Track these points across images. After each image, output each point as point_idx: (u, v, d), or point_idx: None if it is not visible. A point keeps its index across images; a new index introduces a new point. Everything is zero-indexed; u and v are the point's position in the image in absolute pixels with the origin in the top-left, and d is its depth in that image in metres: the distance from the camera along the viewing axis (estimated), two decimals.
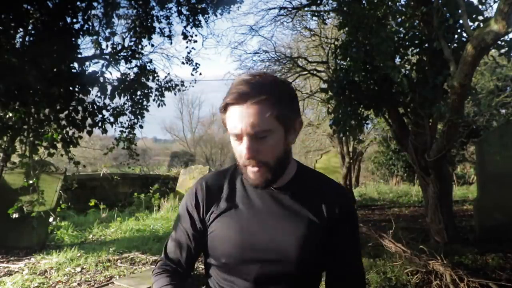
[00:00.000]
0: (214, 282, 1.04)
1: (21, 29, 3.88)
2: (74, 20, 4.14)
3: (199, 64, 6.22)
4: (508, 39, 3.74)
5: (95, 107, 4.78)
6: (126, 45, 5.54)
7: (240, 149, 0.93)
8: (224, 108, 0.93)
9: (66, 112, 4.22)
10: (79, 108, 4.37)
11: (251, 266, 0.97)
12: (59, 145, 4.36)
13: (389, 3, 4.59)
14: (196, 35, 6.02)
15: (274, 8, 8.70)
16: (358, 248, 1.07)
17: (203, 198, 1.05)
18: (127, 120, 5.65)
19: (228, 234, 0.99)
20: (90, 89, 4.44)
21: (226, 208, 1.02)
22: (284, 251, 0.96)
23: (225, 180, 1.06)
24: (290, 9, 8.27)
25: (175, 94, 6.30)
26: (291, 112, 0.95)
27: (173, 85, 6.19)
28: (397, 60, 4.66)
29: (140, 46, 5.47)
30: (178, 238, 1.07)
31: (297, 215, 0.99)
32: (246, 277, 0.97)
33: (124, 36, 5.82)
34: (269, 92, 0.89)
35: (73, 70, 4.21)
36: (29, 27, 3.95)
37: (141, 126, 5.80)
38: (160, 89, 5.96)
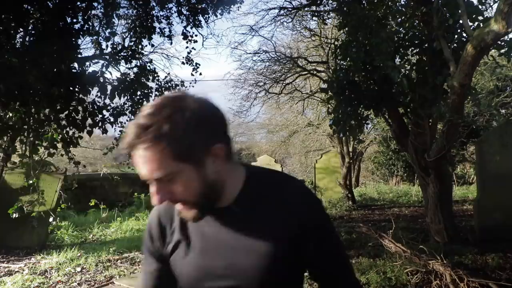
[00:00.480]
0: None
1: (21, 29, 3.88)
2: (74, 20, 4.14)
3: (199, 64, 6.22)
4: (508, 39, 3.75)
5: (95, 107, 4.78)
6: (126, 45, 5.54)
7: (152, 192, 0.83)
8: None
9: (66, 112, 4.22)
10: (79, 108, 4.37)
11: None
12: (59, 145, 4.36)
13: (389, 3, 4.59)
14: (196, 35, 6.03)
15: (274, 8, 8.72)
16: (341, 248, 0.97)
17: (158, 231, 0.97)
18: (127, 120, 5.65)
19: (184, 266, 0.93)
20: (90, 89, 4.44)
21: (179, 239, 0.94)
22: (245, 275, 0.87)
23: (174, 209, 0.94)
24: (290, 9, 8.28)
25: None
26: (196, 145, 0.79)
27: (173, 85, 6.19)
28: (397, 60, 4.66)
29: (140, 46, 5.47)
30: (144, 279, 1.01)
31: (253, 233, 0.88)
32: None
33: (124, 36, 5.84)
34: (157, 136, 0.75)
35: (73, 70, 4.21)
36: (29, 27, 3.96)
37: None
38: (160, 89, 5.96)
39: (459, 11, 3.60)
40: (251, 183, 0.91)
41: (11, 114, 3.90)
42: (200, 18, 5.89)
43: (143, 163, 0.77)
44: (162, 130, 0.75)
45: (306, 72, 9.58)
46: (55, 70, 3.91)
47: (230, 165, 0.88)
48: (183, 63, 6.16)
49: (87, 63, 4.78)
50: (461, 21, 3.71)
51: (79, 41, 4.32)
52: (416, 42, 4.45)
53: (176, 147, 0.77)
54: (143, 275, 1.02)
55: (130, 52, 5.36)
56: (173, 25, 9.08)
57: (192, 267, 0.92)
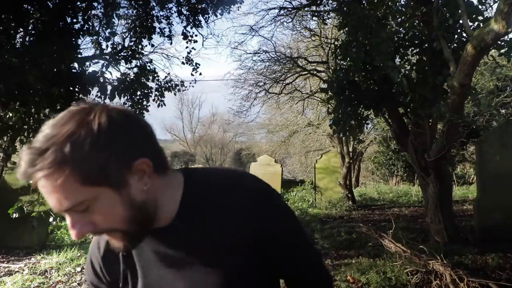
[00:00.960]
0: None
1: (21, 29, 3.89)
2: (74, 20, 4.15)
3: (199, 64, 6.23)
4: (508, 39, 3.74)
5: None
6: (126, 45, 5.55)
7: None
8: None
9: None
10: None
11: None
12: None
13: (389, 3, 4.59)
14: (196, 35, 6.04)
15: (274, 8, 8.71)
16: (309, 250, 0.86)
17: (101, 268, 0.86)
18: None
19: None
20: (90, 89, 4.44)
21: (128, 270, 0.82)
22: None
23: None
24: (290, 9, 8.28)
25: (175, 94, 6.31)
26: (111, 163, 0.65)
27: (173, 85, 6.20)
28: (397, 60, 4.66)
29: (140, 46, 5.48)
30: None
31: (206, 249, 0.76)
32: None
33: (124, 36, 5.84)
34: (57, 160, 0.61)
35: (73, 70, 4.21)
36: (29, 27, 3.96)
37: None
38: (160, 89, 5.96)
39: (459, 11, 3.60)
40: (193, 191, 0.78)
41: (11, 114, 3.90)
42: (200, 18, 5.90)
43: (48, 193, 0.64)
44: (63, 152, 0.61)
45: (306, 72, 9.58)
46: (55, 70, 3.92)
47: (163, 177, 0.75)
48: (183, 63, 6.17)
49: (87, 63, 4.79)
50: (461, 21, 3.71)
51: (79, 41, 4.33)
52: (416, 42, 4.45)
53: (83, 170, 0.63)
54: None
55: (130, 52, 5.36)
56: (173, 25, 9.07)
57: None
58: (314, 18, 8.37)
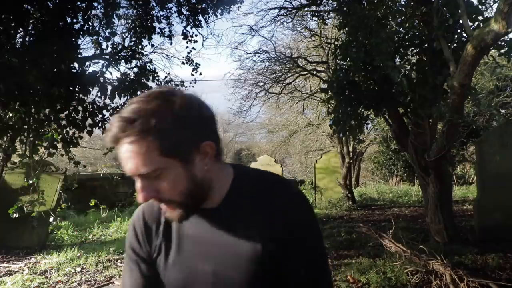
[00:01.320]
0: None
1: (21, 29, 3.88)
2: (74, 20, 4.14)
3: (199, 64, 6.23)
4: (508, 39, 3.75)
5: (95, 107, 4.78)
6: (126, 45, 5.54)
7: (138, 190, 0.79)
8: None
9: (66, 112, 4.22)
10: (79, 108, 4.37)
11: None
12: (59, 145, 4.36)
13: (389, 3, 4.60)
14: (196, 35, 6.03)
15: (274, 8, 8.72)
16: (322, 271, 0.88)
17: (142, 234, 0.92)
18: None
19: (170, 271, 0.89)
20: (90, 89, 4.44)
21: (165, 243, 0.90)
22: (231, 280, 0.84)
23: (160, 210, 0.91)
24: (290, 9, 8.28)
25: None
26: (185, 141, 0.76)
27: (173, 85, 6.19)
28: (397, 60, 4.66)
29: (140, 46, 5.47)
30: (127, 282, 0.94)
31: (240, 237, 0.83)
32: None
33: (124, 36, 5.84)
34: (144, 130, 0.72)
35: (73, 70, 4.21)
36: (29, 27, 3.96)
37: None
38: None
39: (459, 11, 3.60)
40: (239, 185, 0.87)
41: (11, 114, 3.90)
42: (200, 18, 5.89)
43: (128, 158, 0.74)
44: (149, 123, 0.72)
45: (306, 72, 9.59)
46: (55, 70, 3.91)
47: (219, 165, 0.85)
48: (183, 63, 6.17)
49: (87, 63, 4.78)
50: (461, 21, 3.71)
51: (79, 41, 4.32)
52: (416, 42, 4.45)
53: (163, 142, 0.73)
54: (129, 277, 0.93)
55: (130, 52, 5.36)
56: (173, 25, 9.09)
57: (178, 273, 0.88)
58: (314, 18, 8.38)
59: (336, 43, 5.96)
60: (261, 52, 9.70)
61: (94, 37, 5.05)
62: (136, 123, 0.72)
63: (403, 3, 4.81)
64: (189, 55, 6.11)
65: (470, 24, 3.75)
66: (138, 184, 0.77)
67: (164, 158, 0.74)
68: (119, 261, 4.46)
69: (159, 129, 0.72)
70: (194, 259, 0.87)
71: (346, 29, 4.80)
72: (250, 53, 10.04)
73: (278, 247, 0.82)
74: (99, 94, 4.65)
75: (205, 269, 0.85)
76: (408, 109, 4.75)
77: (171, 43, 11.32)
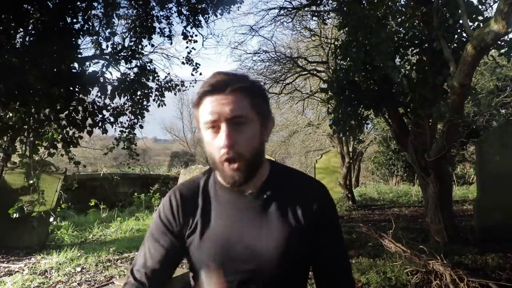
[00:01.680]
0: None
1: (21, 29, 3.88)
2: (74, 20, 4.14)
3: (199, 64, 6.23)
4: (508, 39, 3.74)
5: (95, 107, 4.78)
6: (126, 45, 5.54)
7: (217, 141, 0.89)
8: (200, 99, 0.91)
9: (66, 112, 4.22)
10: (79, 108, 4.37)
11: (232, 277, 0.94)
12: (59, 145, 4.36)
13: (389, 3, 4.59)
14: (196, 35, 6.03)
15: (274, 8, 8.71)
16: (343, 247, 1.04)
17: (179, 211, 1.00)
18: (127, 120, 5.66)
19: (206, 246, 0.96)
20: (90, 89, 4.43)
21: (202, 220, 0.98)
22: (265, 259, 0.93)
23: (199, 189, 1.02)
24: (290, 9, 8.27)
25: (175, 94, 6.30)
26: (266, 107, 0.96)
27: (173, 85, 6.19)
28: (397, 60, 4.66)
29: (140, 46, 5.47)
30: (151, 255, 0.99)
31: (274, 221, 0.95)
32: (229, 286, 0.95)
33: (124, 36, 5.83)
34: (244, 83, 0.91)
35: (73, 70, 4.20)
36: (29, 27, 3.95)
37: (141, 126, 5.81)
38: (160, 89, 5.96)
39: (459, 11, 3.60)
40: (276, 174, 1.01)
41: (11, 114, 3.89)
42: (200, 18, 5.89)
43: (227, 102, 0.88)
44: (248, 83, 0.92)
45: (306, 72, 9.58)
46: (55, 70, 3.91)
47: None
48: (183, 63, 6.17)
49: (87, 63, 4.78)
50: (461, 21, 3.71)
51: (79, 41, 4.31)
52: (416, 42, 4.45)
53: (255, 99, 0.92)
54: (151, 249, 0.99)
55: (130, 52, 5.35)
56: (173, 25, 9.09)
57: (216, 248, 0.95)
58: (314, 18, 8.37)
59: (336, 43, 5.96)
60: (261, 52, 9.70)
61: (94, 37, 5.04)
62: (243, 79, 0.92)
63: (403, 3, 4.81)
64: (189, 55, 6.11)
65: (470, 24, 3.75)
66: (224, 131, 0.88)
67: (253, 112, 0.91)
68: (119, 261, 4.46)
69: (253, 91, 0.93)
70: (230, 238, 0.95)
71: (346, 29, 4.80)
72: (250, 53, 10.06)
73: (311, 228, 0.96)
74: (99, 94, 4.65)
75: (239, 248, 0.94)
76: (408, 109, 4.75)
77: (171, 43, 11.34)
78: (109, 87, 4.79)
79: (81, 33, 4.26)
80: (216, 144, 0.90)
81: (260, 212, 0.96)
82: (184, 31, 5.86)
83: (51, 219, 5.01)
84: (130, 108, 5.55)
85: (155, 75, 5.84)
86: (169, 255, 0.99)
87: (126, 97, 5.36)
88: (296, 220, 0.96)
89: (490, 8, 4.91)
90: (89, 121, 4.62)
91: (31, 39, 3.99)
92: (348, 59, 4.66)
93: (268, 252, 0.93)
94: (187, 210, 0.99)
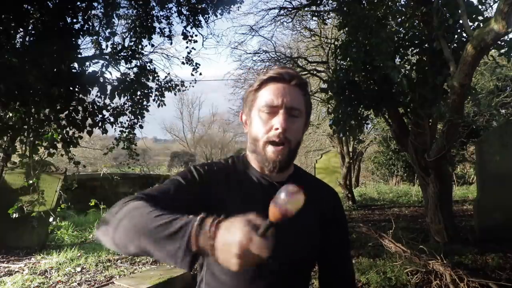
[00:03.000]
0: (211, 276, 0.99)
1: (21, 29, 3.88)
2: (74, 20, 4.13)
3: (199, 64, 6.23)
4: (508, 39, 3.75)
5: (95, 107, 4.78)
6: (126, 45, 5.54)
7: (273, 122, 0.96)
8: (264, 83, 0.99)
9: (66, 112, 4.22)
10: (79, 108, 4.37)
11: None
12: (59, 145, 4.36)
13: (389, 3, 4.59)
14: (196, 35, 6.03)
15: (274, 8, 8.72)
16: (350, 250, 1.12)
17: (208, 176, 0.99)
18: (127, 120, 5.66)
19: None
20: (90, 89, 4.43)
21: (228, 197, 0.97)
22: (287, 250, 0.94)
23: (229, 169, 1.04)
24: (290, 9, 8.28)
25: (175, 94, 6.31)
26: (310, 108, 1.08)
27: (173, 85, 6.20)
28: (397, 60, 4.66)
29: (140, 46, 5.47)
30: (166, 189, 0.93)
31: (301, 213, 0.95)
32: (245, 274, 0.95)
33: (124, 36, 5.84)
34: (305, 82, 1.02)
35: (73, 70, 4.20)
36: (29, 27, 3.95)
37: (141, 126, 5.81)
38: (160, 89, 5.96)
39: (459, 11, 3.60)
40: (299, 172, 1.11)
41: (11, 114, 3.89)
42: (200, 18, 5.90)
43: (290, 93, 0.98)
44: (308, 84, 1.06)
45: (306, 72, 9.57)
46: (55, 70, 3.91)
47: None
48: (183, 63, 6.17)
49: (87, 63, 4.78)
50: (461, 21, 3.71)
51: (79, 41, 4.31)
52: (416, 42, 4.45)
53: (307, 98, 1.04)
54: (168, 185, 0.94)
55: (130, 52, 5.36)
56: (173, 25, 9.08)
57: None
58: (314, 18, 8.37)
59: (336, 43, 5.96)
60: (261, 52, 9.71)
61: (94, 37, 5.05)
62: (302, 78, 1.03)
63: (403, 3, 4.81)
64: (189, 55, 6.12)
65: (470, 24, 3.75)
66: (282, 116, 0.96)
67: (304, 107, 1.02)
68: (119, 261, 4.46)
69: (308, 91, 1.05)
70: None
71: (346, 29, 4.80)
72: (250, 53, 10.05)
73: (325, 227, 1.04)
74: (99, 94, 4.65)
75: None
76: (408, 109, 4.75)
77: (171, 43, 11.34)
78: (109, 87, 4.79)
79: (81, 33, 4.26)
80: (270, 124, 0.97)
81: None
82: (184, 31, 5.87)
83: (51, 219, 5.01)
84: (130, 108, 5.55)
85: (155, 75, 5.84)
86: (185, 196, 0.93)
87: (126, 97, 5.36)
88: (315, 216, 1.03)
89: (490, 8, 4.92)
90: (89, 121, 4.62)
91: (31, 39, 3.99)
92: (348, 59, 4.66)
93: (292, 242, 0.95)
94: (217, 179, 1.00)
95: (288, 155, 0.98)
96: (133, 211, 0.77)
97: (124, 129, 5.64)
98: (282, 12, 8.45)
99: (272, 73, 0.99)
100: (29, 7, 3.84)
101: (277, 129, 0.95)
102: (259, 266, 0.89)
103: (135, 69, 5.45)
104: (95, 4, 4.64)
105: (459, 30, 4.12)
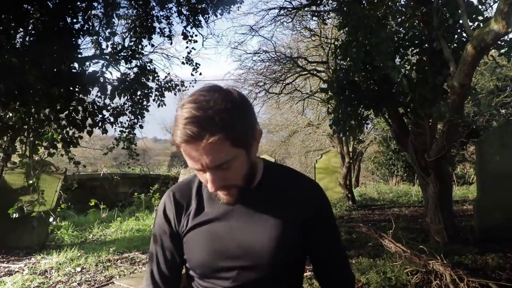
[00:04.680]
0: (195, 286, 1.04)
1: (21, 29, 3.88)
2: (74, 20, 4.13)
3: (199, 64, 6.23)
4: (508, 39, 3.74)
5: (95, 107, 4.78)
6: (126, 45, 5.54)
7: (205, 178, 0.87)
8: (178, 146, 0.84)
9: (66, 112, 4.22)
10: (79, 108, 4.37)
11: (227, 274, 0.95)
12: (59, 145, 4.36)
13: (389, 3, 4.59)
14: (196, 35, 6.03)
15: (274, 8, 8.72)
16: (340, 241, 1.06)
17: (173, 212, 1.01)
18: (127, 120, 5.66)
19: (200, 245, 0.96)
20: (90, 89, 4.44)
21: (196, 219, 0.98)
22: (258, 256, 0.93)
23: (192, 190, 1.02)
24: (290, 9, 8.28)
25: (175, 94, 6.31)
26: (247, 131, 0.85)
27: (173, 85, 6.20)
28: (397, 60, 4.66)
29: (140, 46, 5.47)
30: (160, 261, 1.03)
31: (268, 217, 0.95)
32: (224, 284, 0.96)
33: (124, 36, 5.84)
34: (221, 127, 0.78)
35: (73, 70, 4.20)
36: (29, 27, 3.95)
37: (141, 126, 5.81)
38: (160, 89, 5.96)
39: (459, 11, 3.60)
40: (270, 172, 1.00)
41: (11, 114, 3.89)
42: (200, 18, 5.89)
43: (206, 154, 0.80)
44: (226, 121, 0.78)
45: (306, 72, 9.58)
46: (55, 70, 3.91)
47: None
48: (183, 63, 6.17)
49: (87, 63, 4.78)
50: (461, 21, 3.71)
51: (79, 41, 4.31)
52: (416, 42, 4.45)
53: (234, 135, 0.80)
54: (160, 253, 1.03)
55: (130, 52, 5.36)
56: (173, 25, 9.09)
57: (210, 245, 0.95)
58: (314, 18, 8.37)
59: (336, 43, 5.95)
60: (261, 52, 9.70)
61: (94, 37, 5.05)
62: (217, 123, 0.78)
63: (403, 3, 4.81)
64: (189, 55, 6.12)
65: (470, 24, 3.75)
66: (209, 176, 0.84)
67: (235, 150, 0.82)
68: (119, 261, 4.46)
69: (232, 125, 0.79)
70: (225, 234, 0.95)
71: (346, 29, 4.80)
72: (250, 53, 10.06)
73: (307, 225, 0.96)
74: (99, 94, 4.65)
75: (234, 244, 0.94)
76: (408, 109, 4.74)
77: (171, 43, 11.34)
78: (109, 87, 4.79)
79: (81, 33, 4.26)
80: (204, 178, 0.89)
81: (254, 209, 0.96)
82: (184, 31, 5.87)
83: (51, 219, 5.01)
84: (130, 108, 5.55)
85: (155, 75, 5.84)
86: (174, 255, 1.02)
87: (126, 97, 5.36)
88: (290, 217, 0.95)
89: (490, 8, 4.92)
90: (89, 121, 4.62)
91: (31, 39, 3.99)
92: (348, 59, 4.66)
93: (262, 249, 0.93)
94: (181, 212, 1.00)
95: (239, 192, 0.90)
96: None
97: (124, 129, 5.64)
98: (282, 12, 8.45)
99: (179, 136, 0.79)
100: (29, 7, 3.84)
101: (211, 188, 0.86)
102: (236, 277, 0.93)
103: (135, 69, 5.45)
104: (95, 4, 4.64)
105: (459, 30, 4.12)
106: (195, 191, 1.02)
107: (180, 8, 5.67)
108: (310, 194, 1.00)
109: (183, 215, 1.00)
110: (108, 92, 4.72)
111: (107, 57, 5.15)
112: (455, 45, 4.15)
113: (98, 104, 4.83)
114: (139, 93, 5.47)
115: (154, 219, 1.09)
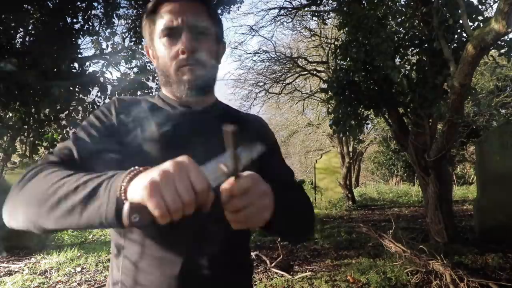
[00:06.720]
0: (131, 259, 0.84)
1: (21, 29, 3.88)
2: (74, 20, 4.14)
3: None
4: (508, 39, 3.75)
5: (95, 107, 4.78)
6: (126, 45, 5.54)
7: (177, 47, 0.84)
8: (157, 4, 0.85)
9: (66, 112, 4.22)
10: (79, 108, 4.37)
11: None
12: None
13: (389, 3, 4.59)
14: None
15: (274, 8, 8.74)
16: (283, 159, 1.08)
17: (116, 112, 0.87)
18: None
19: (150, 157, 0.82)
20: (90, 89, 4.44)
21: (147, 129, 0.86)
22: None
23: (144, 102, 0.93)
24: (290, 9, 8.28)
25: None
26: (220, 25, 0.94)
27: None
28: (397, 60, 4.66)
29: (140, 46, 5.47)
30: (75, 139, 0.83)
31: (220, 139, 0.81)
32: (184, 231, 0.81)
33: (124, 36, 5.83)
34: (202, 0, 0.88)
35: (73, 70, 4.21)
36: (29, 27, 3.95)
37: None
38: (160, 89, 5.96)
39: (459, 11, 3.60)
40: (221, 102, 1.03)
41: (11, 114, 3.90)
42: None
43: (189, 9, 0.85)
44: None
45: (306, 72, 9.59)
46: (55, 70, 3.91)
47: None
48: None
49: (87, 63, 4.78)
50: (461, 21, 3.71)
51: (79, 41, 4.32)
52: (416, 42, 4.45)
53: (213, 13, 0.90)
54: (84, 137, 0.83)
55: (130, 52, 5.36)
56: None
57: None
58: (314, 18, 8.37)
59: (336, 43, 5.96)
60: (261, 52, 9.71)
61: (94, 37, 5.05)
62: None
63: (403, 3, 4.81)
64: None
65: (470, 24, 3.75)
66: (185, 37, 0.85)
67: (211, 24, 0.89)
68: None
69: (211, 5, 0.90)
70: (180, 150, 0.78)
71: (346, 29, 4.80)
72: (250, 53, 10.09)
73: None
74: (99, 94, 4.65)
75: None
76: (408, 109, 4.75)
77: None
78: (109, 87, 4.79)
79: (81, 33, 4.26)
80: (175, 49, 0.85)
81: (211, 127, 0.82)
82: None
83: None
84: None
85: (155, 75, 5.84)
86: (101, 142, 0.82)
87: None
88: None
89: (490, 8, 4.92)
90: None
91: (31, 39, 3.99)
92: (348, 59, 4.66)
93: None
94: (128, 114, 0.87)
95: (205, 75, 0.87)
96: (39, 184, 0.73)
97: None
98: (282, 12, 8.46)
99: None
100: (29, 7, 3.84)
101: (183, 52, 0.83)
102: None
103: (135, 69, 5.45)
104: (95, 4, 4.63)
105: (459, 30, 4.12)
106: (148, 103, 0.93)
107: None
108: (259, 123, 1.05)
109: (128, 119, 0.87)
110: (108, 92, 4.72)
111: (107, 57, 5.15)
112: (455, 45, 4.15)
113: (98, 104, 4.83)
114: (139, 93, 5.46)
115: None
